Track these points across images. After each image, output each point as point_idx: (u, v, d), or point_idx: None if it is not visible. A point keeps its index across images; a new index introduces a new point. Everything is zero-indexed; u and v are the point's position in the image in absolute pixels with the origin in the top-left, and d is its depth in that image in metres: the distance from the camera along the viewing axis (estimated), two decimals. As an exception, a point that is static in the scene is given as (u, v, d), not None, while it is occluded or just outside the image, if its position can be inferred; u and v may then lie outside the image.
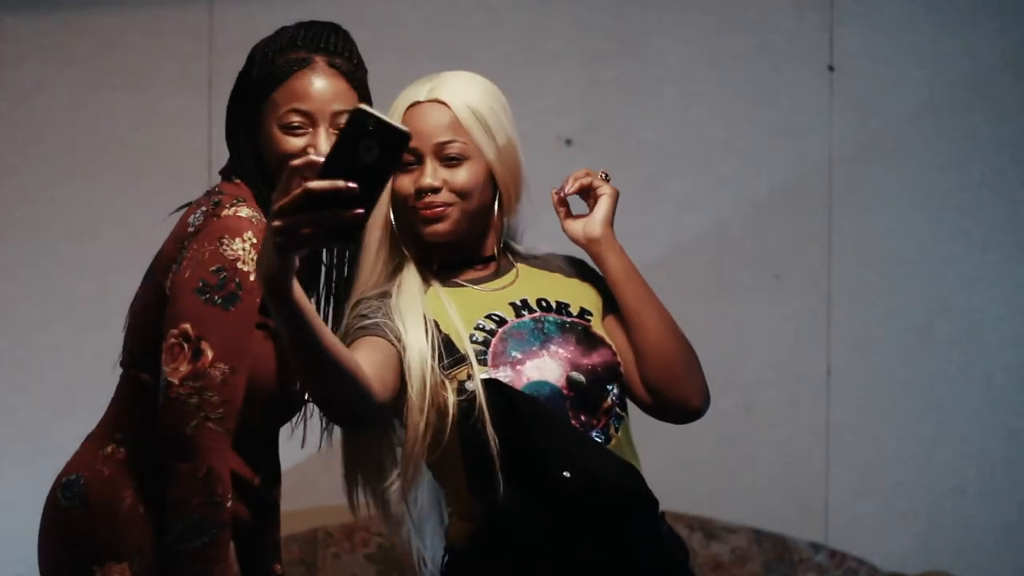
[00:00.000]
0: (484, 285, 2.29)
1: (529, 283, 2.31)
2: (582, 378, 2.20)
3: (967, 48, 3.96)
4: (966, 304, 3.95)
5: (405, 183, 2.23)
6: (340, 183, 1.65)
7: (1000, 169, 3.96)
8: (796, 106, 3.98)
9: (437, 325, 2.21)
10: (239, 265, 2.03)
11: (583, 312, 2.29)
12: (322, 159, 1.66)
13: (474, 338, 2.21)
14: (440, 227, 2.23)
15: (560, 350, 2.22)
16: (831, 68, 3.97)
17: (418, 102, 2.24)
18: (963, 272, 3.95)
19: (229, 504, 2.01)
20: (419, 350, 2.16)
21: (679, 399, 2.27)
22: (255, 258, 2.02)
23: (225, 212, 2.07)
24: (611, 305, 2.33)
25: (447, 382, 2.17)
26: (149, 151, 3.91)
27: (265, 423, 2.18)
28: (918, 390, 3.95)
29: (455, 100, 2.23)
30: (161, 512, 2.02)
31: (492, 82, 2.33)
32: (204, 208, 2.11)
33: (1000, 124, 3.96)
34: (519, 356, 2.20)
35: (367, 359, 2.07)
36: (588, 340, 2.25)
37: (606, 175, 2.33)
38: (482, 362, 2.19)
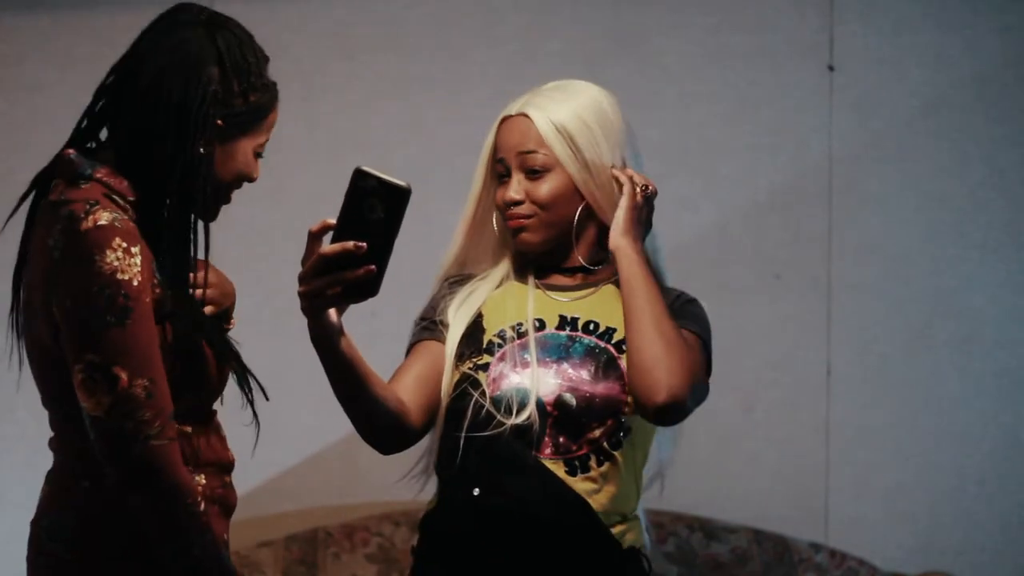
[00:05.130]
0: (558, 293, 2.33)
1: (599, 303, 2.32)
2: (573, 402, 2.21)
3: (967, 48, 3.96)
4: (966, 304, 3.95)
5: (500, 194, 2.32)
6: (349, 244, 1.84)
7: (1000, 169, 3.96)
8: (796, 106, 3.98)
9: (481, 318, 2.30)
10: (118, 276, 1.92)
11: (623, 342, 2.26)
12: (334, 221, 1.83)
13: (502, 333, 2.28)
14: (524, 236, 2.31)
15: (571, 370, 2.23)
16: (831, 68, 3.97)
17: (508, 116, 2.34)
18: (963, 272, 3.95)
19: (203, 507, 1.97)
20: (451, 348, 2.29)
21: (641, 392, 2.18)
22: (132, 263, 1.93)
23: (84, 225, 1.93)
24: None
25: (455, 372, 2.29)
26: (149, 151, 3.90)
27: (213, 401, 2.13)
28: (918, 390, 3.95)
29: (539, 114, 2.31)
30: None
31: (604, 93, 2.42)
32: (59, 226, 1.95)
33: (1000, 124, 3.96)
34: (527, 359, 2.23)
35: (415, 376, 2.26)
36: (606, 369, 2.24)
37: (630, 180, 2.30)
38: (489, 351, 2.27)
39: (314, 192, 3.60)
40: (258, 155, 2.09)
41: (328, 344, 2.02)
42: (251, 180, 2.10)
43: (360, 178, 1.85)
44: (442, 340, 2.30)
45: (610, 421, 2.22)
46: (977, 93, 3.95)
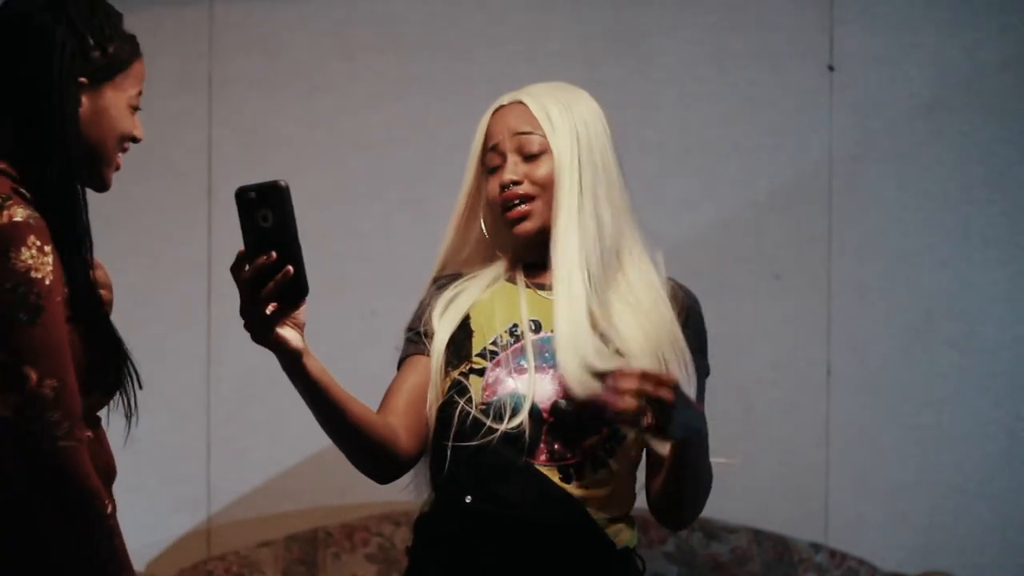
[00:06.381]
0: (549, 292, 2.27)
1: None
2: (570, 408, 2.18)
3: (967, 48, 3.96)
4: (966, 304, 3.95)
5: (493, 186, 2.27)
6: (260, 260, 1.90)
7: (1000, 169, 3.97)
8: (796, 106, 3.98)
9: (468, 320, 2.26)
10: (32, 275, 1.88)
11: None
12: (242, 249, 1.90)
13: (496, 340, 2.23)
14: (526, 225, 2.25)
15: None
16: (831, 68, 3.97)
17: (501, 106, 2.31)
18: (963, 272, 3.95)
19: (110, 510, 1.92)
20: (437, 357, 2.25)
21: (660, 517, 2.26)
22: (44, 262, 1.91)
23: None
24: (669, 353, 2.25)
25: (446, 379, 2.25)
26: (149, 151, 3.89)
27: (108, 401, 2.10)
28: (918, 390, 3.95)
29: (534, 101, 2.29)
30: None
31: (584, 89, 2.38)
32: None
33: (1000, 124, 3.96)
34: (524, 365, 2.20)
35: (406, 398, 2.22)
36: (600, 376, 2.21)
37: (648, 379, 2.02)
38: (483, 355, 2.23)
39: (314, 192, 3.60)
40: (135, 109, 2.06)
41: (299, 371, 2.00)
42: (135, 139, 2.07)
43: (241, 196, 1.93)
44: (428, 353, 2.25)
45: (605, 429, 2.20)
46: (977, 93, 3.95)
